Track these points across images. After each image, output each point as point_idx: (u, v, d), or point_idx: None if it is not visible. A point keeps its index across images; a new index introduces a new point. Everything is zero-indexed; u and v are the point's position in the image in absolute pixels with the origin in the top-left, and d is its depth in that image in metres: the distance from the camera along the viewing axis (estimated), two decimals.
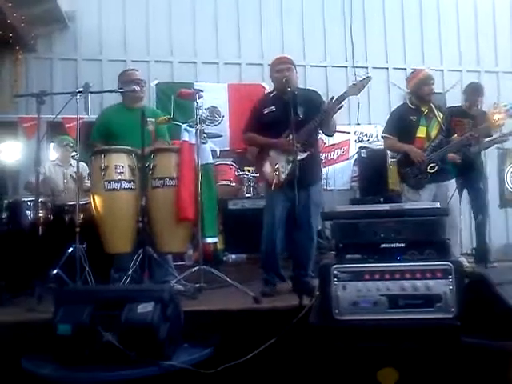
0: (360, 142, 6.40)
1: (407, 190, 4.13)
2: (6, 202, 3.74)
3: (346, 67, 6.87)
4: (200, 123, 3.53)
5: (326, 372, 2.22)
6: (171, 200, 3.37)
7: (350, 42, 6.88)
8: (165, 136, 3.83)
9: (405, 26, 7.06)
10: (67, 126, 5.27)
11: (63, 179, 4.72)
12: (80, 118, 3.43)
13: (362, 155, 5.73)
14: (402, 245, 2.34)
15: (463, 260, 3.84)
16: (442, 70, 6.89)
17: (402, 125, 4.15)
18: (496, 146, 5.89)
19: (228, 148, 5.94)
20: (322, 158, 5.99)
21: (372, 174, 5.47)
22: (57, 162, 4.92)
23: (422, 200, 3.88)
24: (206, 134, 3.80)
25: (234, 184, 4.98)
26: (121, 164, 3.40)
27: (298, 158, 3.33)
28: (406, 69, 6.89)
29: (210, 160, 3.72)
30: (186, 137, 3.51)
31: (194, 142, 3.48)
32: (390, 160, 5.24)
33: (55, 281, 3.21)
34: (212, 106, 6.28)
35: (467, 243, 5.11)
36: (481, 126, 4.27)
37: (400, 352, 2.15)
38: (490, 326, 2.31)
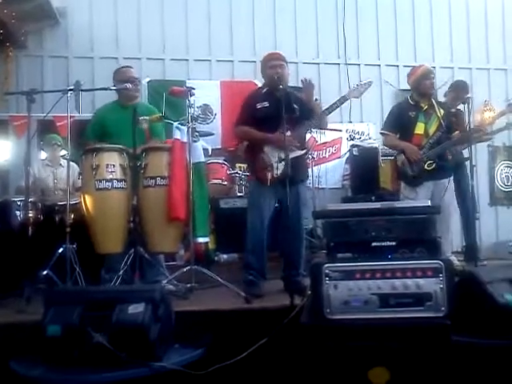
0: (352, 140, 6.39)
1: (404, 188, 4.14)
2: None
3: (339, 64, 6.87)
4: (192, 121, 3.50)
5: (318, 371, 2.22)
6: (163, 199, 3.35)
7: (342, 39, 6.87)
8: (160, 135, 3.79)
9: (397, 23, 7.06)
10: (58, 124, 5.21)
11: (53, 179, 4.68)
12: (71, 117, 3.42)
13: (354, 153, 5.73)
14: (393, 243, 2.35)
15: (453, 258, 3.84)
16: (433, 67, 6.84)
17: (400, 121, 4.16)
18: (487, 142, 5.96)
19: (220, 146, 5.93)
20: (314, 156, 6.03)
21: (364, 173, 5.47)
22: (46, 162, 4.88)
23: (419, 197, 3.88)
24: (197, 132, 3.79)
25: (225, 183, 4.96)
26: (112, 163, 3.37)
27: (294, 155, 3.36)
28: (398, 66, 6.92)
29: (202, 159, 3.70)
30: (177, 135, 3.49)
31: (185, 140, 3.46)
32: (381, 158, 5.24)
33: (45, 281, 3.19)
34: (204, 104, 6.25)
35: (457, 241, 5.13)
36: (472, 127, 4.25)
37: (391, 351, 2.16)
38: (480, 324, 2.32)
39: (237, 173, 5.11)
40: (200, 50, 6.56)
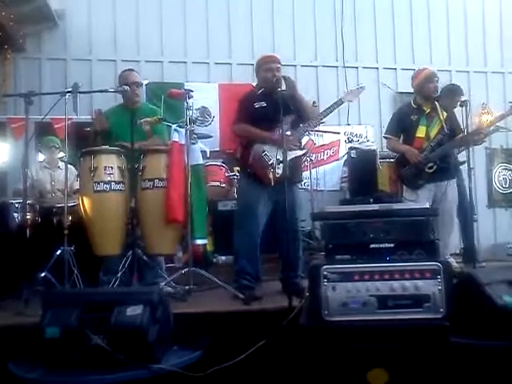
0: (350, 142, 6.40)
1: (405, 190, 4.16)
2: None
3: (337, 67, 6.88)
4: (190, 123, 3.51)
5: (317, 373, 2.22)
6: (161, 201, 3.35)
7: (340, 42, 6.88)
8: (162, 134, 3.78)
9: (395, 26, 7.08)
10: (56, 126, 5.21)
11: (51, 181, 4.68)
12: (69, 119, 3.41)
13: (352, 156, 5.73)
14: (391, 245, 2.35)
15: (452, 260, 3.86)
16: None
17: (402, 125, 4.20)
18: (485, 145, 5.96)
19: (218, 149, 5.92)
20: (312, 158, 6.03)
21: (362, 175, 5.47)
22: (44, 164, 4.88)
23: (421, 200, 3.89)
24: (196, 134, 3.78)
25: (223, 185, 4.97)
26: (110, 165, 3.38)
27: (294, 155, 3.37)
28: (396, 69, 6.94)
29: (200, 161, 3.71)
30: (176, 137, 3.50)
31: (183, 142, 3.47)
32: (379, 161, 5.25)
33: (43, 283, 3.18)
34: (202, 107, 6.25)
35: (456, 243, 5.13)
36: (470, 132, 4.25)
37: (389, 352, 2.16)
38: (478, 325, 2.33)
39: (235, 175, 5.11)
40: (198, 52, 6.57)
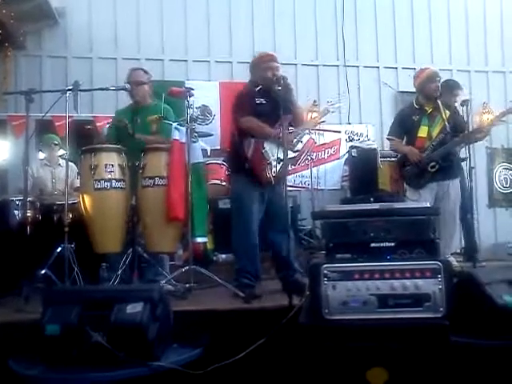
0: (351, 141, 6.40)
1: (408, 190, 4.17)
2: None
3: (338, 66, 6.87)
4: (191, 122, 3.51)
5: (316, 372, 2.22)
6: (161, 199, 3.35)
7: (341, 41, 6.88)
8: (169, 134, 3.69)
9: (396, 25, 7.07)
10: (57, 124, 5.21)
11: (51, 179, 4.68)
12: (69, 117, 3.41)
13: (353, 155, 5.73)
14: (392, 244, 2.35)
15: (452, 259, 3.86)
16: None
17: (404, 126, 4.21)
18: (485, 144, 5.97)
19: (219, 147, 5.91)
20: (313, 157, 6.04)
21: (362, 174, 5.47)
22: (45, 162, 4.88)
23: (423, 199, 3.89)
24: (196, 132, 3.78)
25: (224, 183, 4.96)
26: (111, 163, 3.39)
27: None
28: (396, 68, 6.94)
29: (201, 159, 3.70)
30: (176, 135, 3.49)
31: (184, 140, 3.46)
32: (380, 160, 5.25)
33: (43, 281, 3.18)
34: (203, 105, 6.25)
35: (456, 243, 5.13)
36: (472, 129, 4.26)
37: (389, 352, 2.16)
38: (478, 325, 2.33)
39: None
40: (199, 50, 6.56)
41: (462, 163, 4.35)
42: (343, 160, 6.37)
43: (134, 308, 2.22)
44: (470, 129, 4.06)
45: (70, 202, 3.37)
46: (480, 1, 7.34)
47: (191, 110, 3.54)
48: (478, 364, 2.30)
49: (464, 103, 3.95)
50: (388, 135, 4.45)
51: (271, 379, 2.62)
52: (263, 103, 3.45)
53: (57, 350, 2.18)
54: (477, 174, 6.17)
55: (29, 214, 3.46)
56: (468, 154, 4.02)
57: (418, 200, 3.92)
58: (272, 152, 3.37)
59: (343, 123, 6.66)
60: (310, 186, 5.96)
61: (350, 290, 2.20)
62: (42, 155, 5.09)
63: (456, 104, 4.46)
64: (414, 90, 4.35)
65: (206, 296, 3.24)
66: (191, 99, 3.56)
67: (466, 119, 3.97)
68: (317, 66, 6.84)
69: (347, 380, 2.17)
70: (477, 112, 6.58)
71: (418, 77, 4.25)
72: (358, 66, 6.92)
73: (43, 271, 3.20)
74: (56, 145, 4.82)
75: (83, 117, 4.11)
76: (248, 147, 3.38)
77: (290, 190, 4.98)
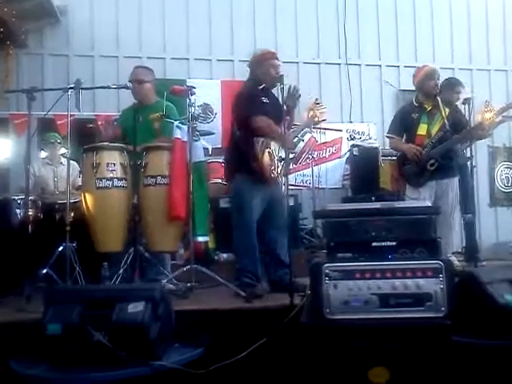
0: (352, 140, 6.41)
1: (407, 188, 4.16)
2: None
3: (339, 64, 6.86)
4: (192, 120, 3.50)
5: (318, 371, 2.22)
6: (163, 198, 3.35)
7: (343, 39, 6.86)
8: (171, 133, 3.68)
9: (398, 23, 7.05)
10: (58, 122, 5.22)
11: (53, 178, 4.68)
12: (71, 115, 3.40)
13: (354, 153, 5.73)
14: (393, 243, 2.35)
15: (453, 259, 3.85)
16: None
17: (404, 124, 4.21)
18: (487, 143, 5.96)
19: (220, 146, 5.90)
20: (315, 156, 6.03)
21: (364, 173, 5.47)
22: (46, 161, 4.89)
23: (423, 198, 3.89)
24: (198, 131, 3.78)
25: (225, 182, 4.96)
26: (113, 162, 3.39)
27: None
28: (398, 66, 6.92)
29: (202, 158, 3.70)
30: (178, 134, 3.48)
31: (186, 139, 3.46)
32: (381, 158, 5.25)
33: (45, 280, 3.18)
34: (205, 103, 6.25)
35: (457, 242, 5.13)
36: (473, 126, 4.24)
37: (391, 351, 2.16)
38: (480, 324, 2.32)
39: None
40: (201, 49, 6.55)
41: (468, 160, 4.34)
42: (344, 159, 6.37)
43: (136, 307, 2.22)
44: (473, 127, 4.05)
45: (71, 201, 3.37)
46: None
47: (193, 108, 3.54)
48: (480, 364, 2.30)
49: (466, 101, 3.94)
50: (387, 133, 4.45)
51: (273, 379, 2.62)
52: (267, 102, 3.45)
53: (58, 349, 2.18)
54: (478, 172, 6.17)
55: (30, 213, 3.45)
56: (470, 153, 4.01)
57: (418, 198, 3.91)
58: (276, 151, 3.37)
59: (345, 122, 6.65)
60: (311, 185, 5.95)
61: (352, 290, 2.20)
62: (43, 154, 5.09)
63: (458, 102, 4.45)
64: (414, 88, 4.34)
65: (208, 295, 3.24)
66: (193, 98, 3.55)
67: (468, 117, 3.95)
68: (318, 64, 6.83)
69: (349, 379, 2.17)
70: (479, 110, 6.55)
71: (416, 75, 4.25)
72: (359, 65, 6.91)
73: (45, 270, 3.20)
74: (58, 143, 4.83)
75: (85, 115, 4.10)
76: (257, 146, 3.34)
77: (291, 189, 4.98)
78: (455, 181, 4.12)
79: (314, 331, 2.22)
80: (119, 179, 3.37)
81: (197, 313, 2.78)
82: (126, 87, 3.63)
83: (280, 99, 3.40)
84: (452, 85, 4.67)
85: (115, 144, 3.51)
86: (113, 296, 2.34)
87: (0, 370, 2.37)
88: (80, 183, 3.83)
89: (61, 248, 3.23)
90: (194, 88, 3.60)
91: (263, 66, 3.50)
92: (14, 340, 2.51)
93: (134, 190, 3.43)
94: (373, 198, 2.86)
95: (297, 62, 6.63)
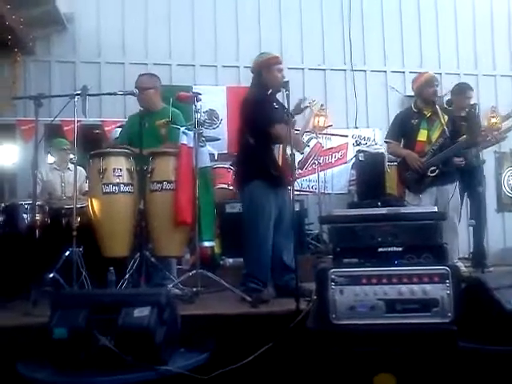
0: (358, 145, 6.41)
1: (408, 195, 4.15)
2: (2, 205, 3.72)
3: (345, 70, 6.87)
4: (198, 126, 3.52)
5: (323, 377, 2.21)
6: (169, 204, 3.36)
7: (348, 45, 6.87)
8: (177, 139, 3.64)
9: (403, 29, 7.06)
10: (65, 128, 5.25)
11: (61, 183, 4.71)
12: (78, 121, 3.42)
13: (360, 159, 5.73)
14: (400, 249, 2.35)
15: (460, 264, 3.84)
16: (439, 74, 6.87)
17: (403, 129, 4.20)
18: (494, 149, 5.94)
19: (226, 151, 5.93)
20: (320, 161, 6.04)
21: (370, 178, 5.46)
22: (54, 166, 4.92)
23: (423, 204, 3.88)
24: (204, 137, 3.79)
25: (231, 187, 4.97)
26: (119, 167, 3.40)
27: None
28: (404, 72, 6.92)
29: (208, 163, 3.71)
30: (184, 140, 3.50)
31: (192, 145, 3.47)
32: (387, 164, 5.25)
33: (51, 284, 3.18)
34: (210, 109, 6.28)
35: (464, 247, 5.11)
36: (476, 129, 4.23)
37: (397, 357, 2.15)
38: (487, 330, 2.31)
39: None
40: (206, 55, 6.59)
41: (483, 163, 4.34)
42: (350, 164, 6.37)
43: (142, 312, 2.22)
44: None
45: (78, 206, 3.39)
46: (487, 4, 7.32)
47: (199, 114, 3.55)
48: (487, 370, 2.28)
49: (472, 107, 3.94)
50: (386, 138, 4.43)
51: None
52: (277, 108, 3.45)
53: (64, 353, 2.19)
54: (485, 178, 6.13)
55: (37, 218, 3.47)
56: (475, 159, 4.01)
57: (419, 205, 3.91)
58: (291, 155, 3.36)
59: (350, 127, 6.66)
60: (317, 191, 5.96)
61: (358, 295, 2.20)
62: (51, 159, 5.13)
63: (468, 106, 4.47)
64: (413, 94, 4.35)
65: (213, 300, 3.24)
66: (199, 104, 3.57)
67: (472, 124, 3.95)
68: (324, 70, 6.84)
69: None
70: (484, 116, 6.55)
71: (416, 81, 4.26)
72: (365, 71, 6.92)
73: (51, 275, 3.20)
74: (66, 149, 4.86)
75: (91, 121, 4.13)
76: (276, 153, 3.35)
77: (297, 194, 4.99)
78: (455, 186, 4.11)
79: (320, 336, 2.21)
80: (125, 184, 3.39)
81: (202, 318, 2.78)
82: (132, 94, 3.65)
83: (285, 103, 3.40)
84: (463, 90, 4.68)
85: (121, 150, 3.53)
86: (119, 301, 2.34)
87: (7, 374, 2.38)
88: (87, 188, 3.85)
89: (67, 253, 3.24)
90: (200, 94, 3.62)
91: (270, 70, 3.48)
92: (20, 344, 2.52)
93: (140, 196, 3.44)
94: (379, 204, 2.85)
95: (302, 69, 6.65)
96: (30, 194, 4.05)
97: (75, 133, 3.40)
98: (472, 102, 4.53)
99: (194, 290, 3.23)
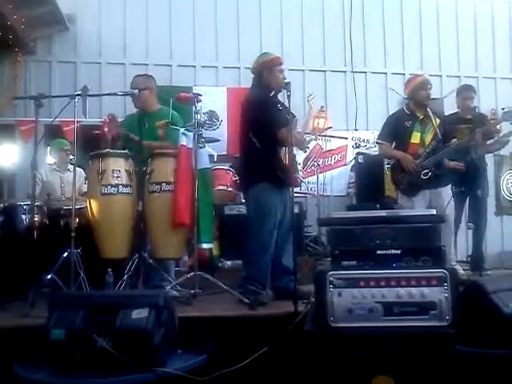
0: (357, 147, 6.41)
1: (401, 197, 4.15)
2: (1, 205, 3.71)
3: (345, 72, 6.87)
4: (198, 127, 3.52)
5: (321, 379, 2.21)
6: (168, 205, 3.35)
7: (349, 46, 6.87)
8: (176, 140, 3.65)
9: (404, 31, 7.07)
10: (65, 129, 5.25)
11: (60, 184, 4.71)
12: (78, 122, 3.42)
13: (359, 161, 5.73)
14: (398, 251, 2.35)
15: (458, 268, 3.83)
16: (440, 76, 6.90)
17: (396, 131, 4.19)
18: (494, 152, 5.93)
19: (225, 153, 5.93)
20: (320, 163, 6.04)
21: (369, 181, 5.47)
22: (54, 167, 4.92)
23: (416, 207, 3.89)
24: (203, 138, 3.79)
25: (230, 189, 4.97)
26: (118, 168, 3.40)
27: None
28: (404, 74, 6.90)
29: (208, 165, 3.71)
30: (183, 141, 3.50)
31: (191, 146, 3.47)
32: (386, 166, 5.25)
33: (49, 285, 3.18)
34: (210, 111, 6.28)
35: (463, 251, 5.10)
36: (479, 129, 4.22)
37: (395, 360, 2.15)
38: (484, 334, 2.31)
39: None
40: (207, 56, 6.59)
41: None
42: (350, 166, 6.37)
43: (140, 313, 2.23)
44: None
45: (77, 207, 3.38)
46: (488, 7, 7.32)
47: (198, 115, 3.55)
48: (484, 373, 2.28)
49: (472, 110, 3.94)
50: (377, 139, 4.41)
51: None
52: (281, 109, 3.44)
53: (62, 355, 2.19)
54: (488, 182, 6.12)
55: (36, 219, 3.47)
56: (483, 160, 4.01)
57: (412, 207, 3.92)
58: (296, 157, 3.38)
59: (350, 129, 6.66)
60: (316, 193, 5.95)
61: (356, 298, 2.20)
62: (51, 160, 5.13)
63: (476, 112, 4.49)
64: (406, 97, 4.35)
65: (211, 302, 3.24)
66: (199, 105, 3.57)
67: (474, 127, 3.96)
68: (324, 71, 6.84)
69: None
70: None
71: (409, 84, 4.26)
72: (365, 72, 6.92)
73: (49, 276, 3.20)
74: (66, 150, 4.86)
75: (91, 121, 4.13)
76: (283, 155, 3.36)
77: (297, 196, 4.98)
78: (448, 189, 4.11)
79: (318, 339, 2.21)
80: (124, 186, 3.38)
81: (200, 319, 2.78)
82: (132, 94, 3.66)
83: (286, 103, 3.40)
84: (467, 90, 4.69)
85: (120, 151, 3.53)
86: (117, 302, 2.35)
87: (4, 375, 2.38)
88: (86, 189, 3.85)
89: (65, 254, 3.23)
90: (200, 95, 3.61)
91: (272, 71, 3.46)
92: (18, 345, 2.52)
93: (139, 197, 3.44)
94: (378, 206, 2.86)
95: (303, 70, 6.65)
96: (28, 195, 4.05)
97: (75, 133, 3.40)
98: (473, 105, 4.55)
99: (192, 291, 3.23)
